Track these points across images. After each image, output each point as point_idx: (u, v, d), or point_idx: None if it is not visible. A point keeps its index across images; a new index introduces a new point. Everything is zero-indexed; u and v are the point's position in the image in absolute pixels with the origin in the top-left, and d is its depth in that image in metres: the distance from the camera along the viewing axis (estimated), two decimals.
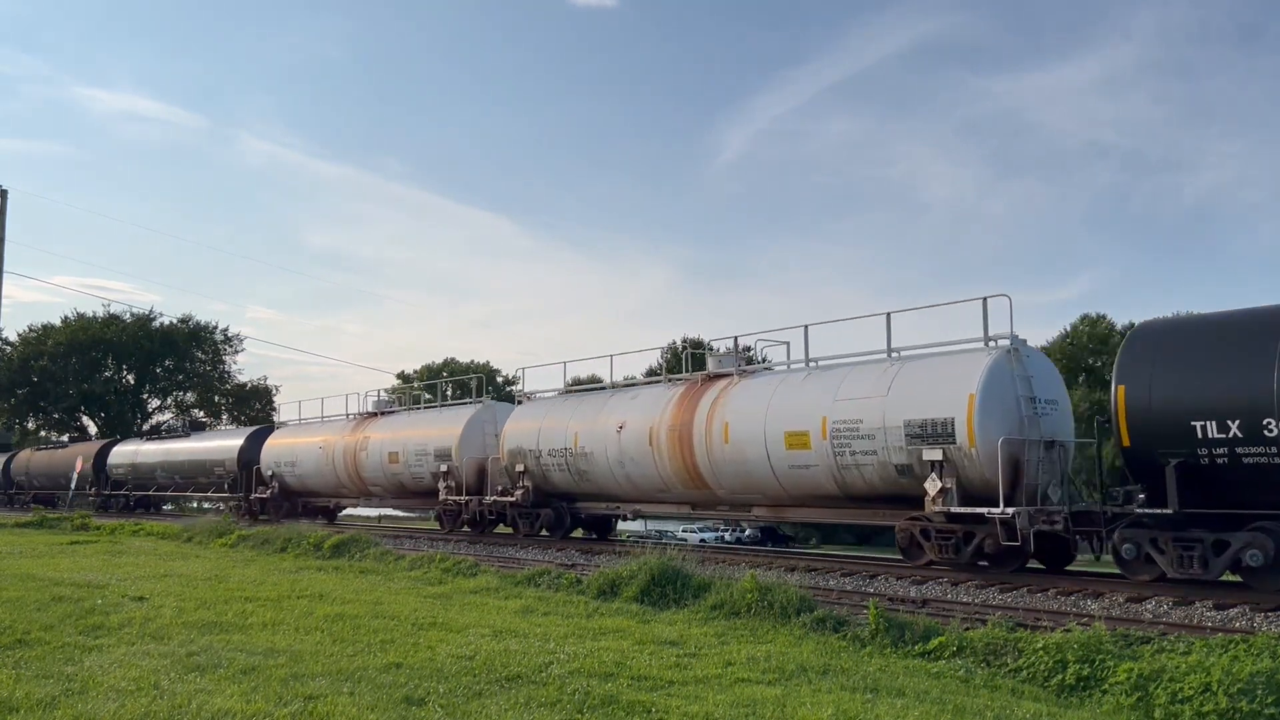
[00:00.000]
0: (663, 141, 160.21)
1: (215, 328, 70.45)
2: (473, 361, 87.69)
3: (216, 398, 70.78)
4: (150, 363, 68.09)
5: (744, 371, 18.86)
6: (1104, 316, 55.42)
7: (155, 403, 70.94)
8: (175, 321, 68.79)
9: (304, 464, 31.19)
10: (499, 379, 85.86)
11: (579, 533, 23.57)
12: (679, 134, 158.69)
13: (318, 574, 15.56)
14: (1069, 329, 54.21)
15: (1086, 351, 52.27)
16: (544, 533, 22.39)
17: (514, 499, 22.52)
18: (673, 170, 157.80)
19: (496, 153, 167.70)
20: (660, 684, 7.43)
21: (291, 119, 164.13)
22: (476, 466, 24.35)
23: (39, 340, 65.79)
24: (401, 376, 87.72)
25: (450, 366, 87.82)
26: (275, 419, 47.68)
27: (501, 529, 24.48)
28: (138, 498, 42.17)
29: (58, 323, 67.21)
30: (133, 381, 68.85)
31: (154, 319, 68.03)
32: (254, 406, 69.20)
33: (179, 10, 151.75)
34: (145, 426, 64.56)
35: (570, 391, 24.61)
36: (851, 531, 44.00)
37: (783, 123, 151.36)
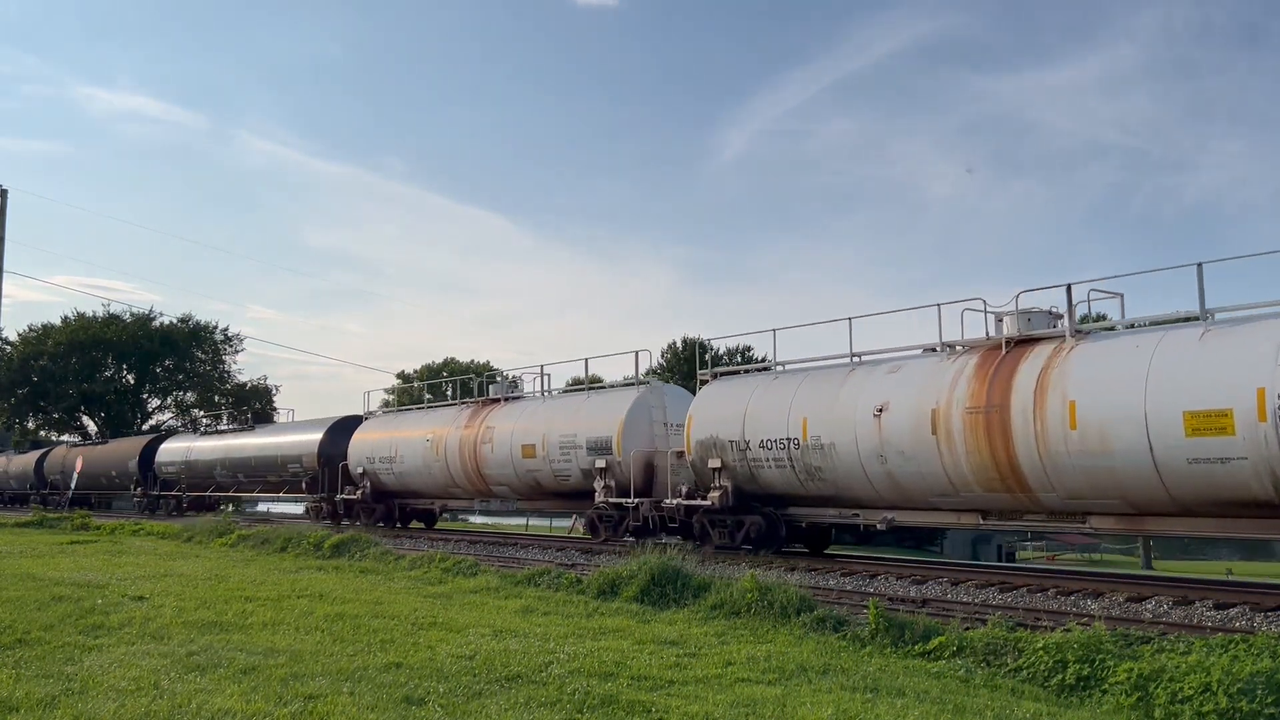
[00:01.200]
0: (663, 141, 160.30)
1: (215, 327, 70.48)
2: (473, 361, 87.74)
3: (216, 397, 70.78)
4: (150, 362, 68.06)
5: (1081, 332, 14.26)
6: (1104, 316, 55.24)
7: (155, 402, 70.99)
8: (175, 321, 68.83)
9: (406, 460, 26.45)
10: (499, 379, 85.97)
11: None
12: (679, 133, 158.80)
13: (318, 573, 15.56)
14: None
15: None
16: (745, 547, 17.93)
17: (708, 502, 18.09)
18: (673, 170, 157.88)
19: (497, 152, 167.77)
20: (660, 684, 7.43)
21: (292, 118, 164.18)
22: (644, 462, 20.07)
23: (39, 340, 65.78)
24: (401, 376, 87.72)
25: (450, 366, 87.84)
26: (276, 419, 46.30)
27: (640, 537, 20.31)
28: (192, 499, 38.39)
29: (58, 322, 67.25)
30: (132, 381, 68.83)
31: (154, 319, 68.06)
32: (254, 406, 69.19)
33: (179, 10, 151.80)
34: (145, 426, 64.61)
35: (788, 370, 18.75)
36: (850, 531, 43.93)
37: (783, 122, 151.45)
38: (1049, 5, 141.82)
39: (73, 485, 46.21)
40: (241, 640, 9.10)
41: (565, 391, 25.28)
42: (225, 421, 38.74)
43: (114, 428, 62.66)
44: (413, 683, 7.24)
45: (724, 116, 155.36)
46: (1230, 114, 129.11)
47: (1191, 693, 6.86)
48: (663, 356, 71.47)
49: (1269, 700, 6.63)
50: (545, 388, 24.57)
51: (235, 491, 36.16)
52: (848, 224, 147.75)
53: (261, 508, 54.78)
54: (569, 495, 22.42)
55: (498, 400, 24.97)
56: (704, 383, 19.78)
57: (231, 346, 71.00)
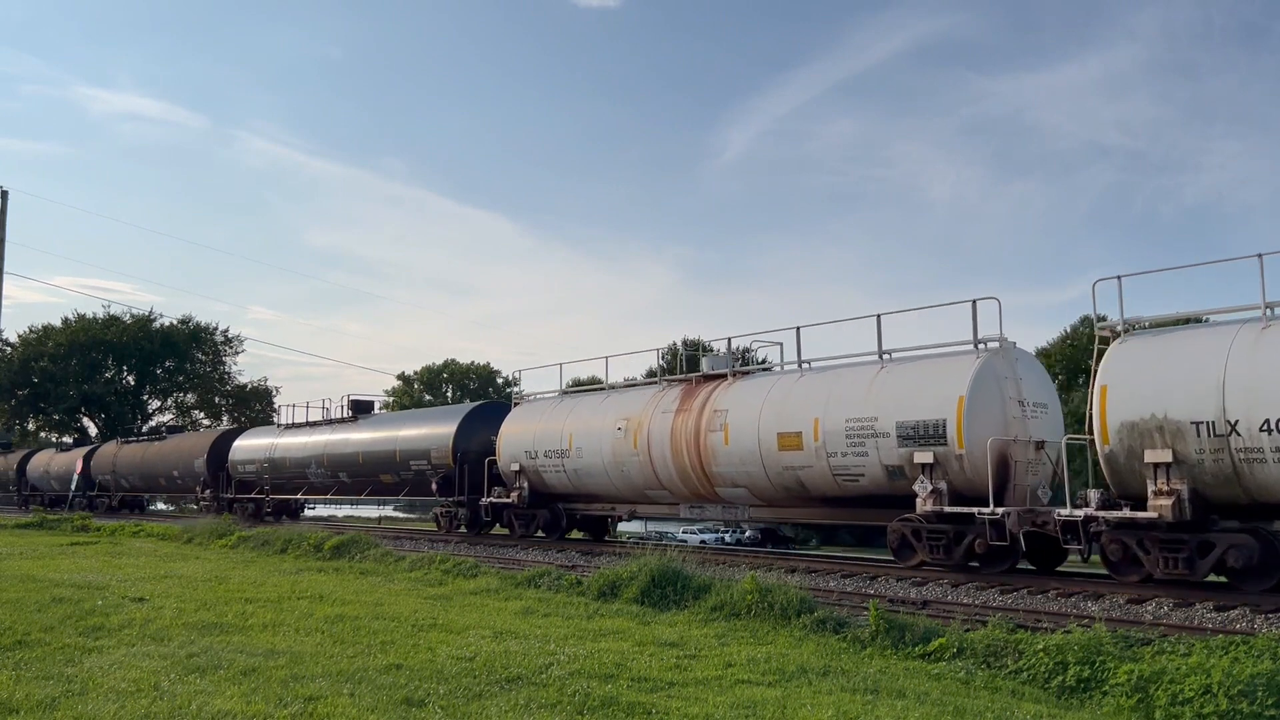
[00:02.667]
0: (664, 141, 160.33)
1: (215, 329, 70.56)
2: (473, 362, 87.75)
3: (216, 399, 70.80)
4: (150, 364, 68.12)
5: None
6: (1104, 318, 55.28)
7: (155, 404, 71.03)
8: (175, 322, 68.89)
9: (585, 454, 21.22)
10: (499, 380, 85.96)
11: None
12: (680, 134, 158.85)
13: (318, 575, 15.55)
14: (1070, 330, 54.21)
15: (1087, 353, 52.21)
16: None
17: (1156, 512, 12.40)
18: (674, 170, 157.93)
19: (497, 153, 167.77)
20: (660, 685, 7.42)
21: (292, 119, 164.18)
22: (998, 455, 14.41)
23: (39, 341, 65.82)
24: (401, 378, 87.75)
25: (450, 368, 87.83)
26: (276, 420, 45.69)
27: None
28: (277, 503, 33.67)
29: (58, 324, 67.33)
30: (133, 383, 68.87)
31: (154, 320, 68.12)
32: (254, 408, 69.22)
33: (180, 10, 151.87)
34: (145, 428, 64.57)
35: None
36: (852, 533, 43.91)
37: (784, 122, 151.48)
38: (1049, 6, 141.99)
39: (124, 486, 42.86)
40: (242, 642, 9.09)
41: (850, 361, 17.29)
42: (284, 417, 35.39)
43: (114, 429, 62.65)
44: (413, 684, 7.24)
45: (724, 117, 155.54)
46: (1230, 115, 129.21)
47: (1192, 694, 6.85)
48: (662, 358, 71.43)
49: (1269, 702, 6.62)
50: (800, 358, 18.28)
51: (336, 494, 30.79)
52: (848, 225, 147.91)
53: (365, 512, 51.28)
54: (852, 502, 16.53)
55: (722, 376, 19.34)
56: (1117, 337, 14.09)
57: (232, 348, 71.13)
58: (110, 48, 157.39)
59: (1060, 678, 7.76)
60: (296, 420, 33.98)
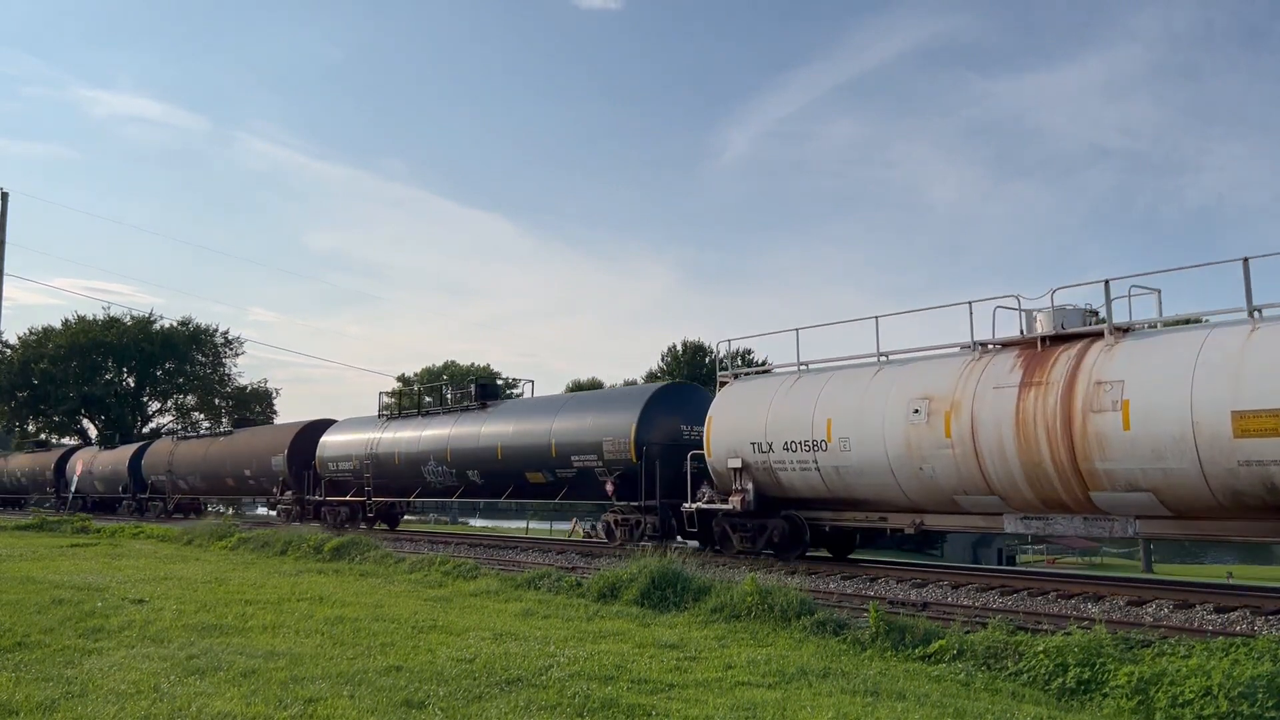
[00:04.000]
0: (665, 143, 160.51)
1: (215, 330, 70.59)
2: (473, 364, 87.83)
3: (216, 400, 70.82)
4: (150, 365, 68.12)
5: (1120, 329, 13.81)
6: (1104, 319, 55.37)
7: (155, 405, 71.04)
8: (175, 324, 68.90)
9: (854, 446, 15.85)
10: (499, 381, 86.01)
11: None
12: (682, 135, 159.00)
13: (318, 576, 15.55)
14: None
15: None
16: None
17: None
18: (675, 171, 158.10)
19: (498, 154, 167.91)
20: (660, 687, 7.42)
21: (293, 120, 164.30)
22: None
23: (39, 343, 65.83)
24: (401, 379, 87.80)
25: (450, 369, 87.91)
26: (276, 421, 43.88)
27: None
28: (381, 506, 28.79)
29: (58, 325, 67.34)
30: (133, 384, 68.88)
31: (154, 322, 68.14)
32: (254, 409, 69.23)
33: (181, 12, 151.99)
34: (145, 429, 64.56)
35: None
36: (389, 519, 43.17)
37: (786, 124, 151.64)
38: (1051, 8, 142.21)
39: (182, 488, 38.41)
40: (241, 643, 9.09)
41: None
42: (225, 424, 35.15)
43: (114, 431, 62.66)
44: (413, 686, 7.24)
45: (726, 118, 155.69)
46: (1232, 117, 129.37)
47: (1192, 696, 6.85)
48: (663, 360, 71.51)
49: (1270, 704, 6.62)
50: (1250, 302, 12.42)
51: (463, 495, 25.86)
52: (849, 226, 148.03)
53: (510, 524, 44.53)
54: None
55: (1090, 335, 14.00)
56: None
57: (232, 349, 71.14)
58: (111, 49, 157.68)
59: (1060, 679, 7.76)
60: (405, 410, 28.92)
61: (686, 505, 18.75)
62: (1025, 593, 13.19)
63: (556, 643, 9.23)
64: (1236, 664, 7.11)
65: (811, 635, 9.76)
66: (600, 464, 20.84)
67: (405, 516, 31.57)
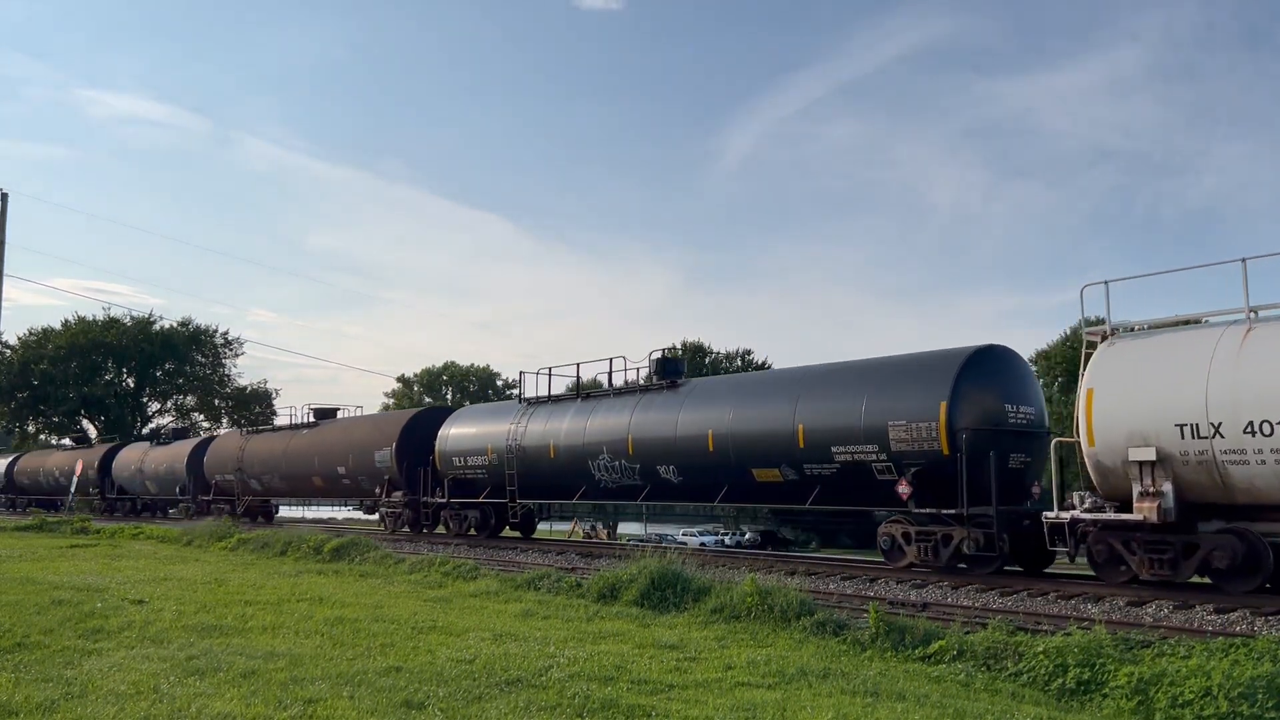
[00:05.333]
0: (666, 144, 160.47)
1: (215, 331, 70.58)
2: (473, 365, 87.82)
3: (216, 401, 70.81)
4: (150, 366, 68.10)
5: None
6: (1102, 320, 55.55)
7: (155, 406, 71.02)
8: (175, 325, 68.88)
9: None
10: (499, 382, 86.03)
11: None
12: (682, 136, 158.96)
13: (318, 577, 15.55)
14: (1070, 331, 54.32)
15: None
16: None
17: (1142, 514, 12.17)
18: (676, 172, 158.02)
19: (499, 155, 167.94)
20: (660, 688, 7.42)
21: (294, 121, 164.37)
22: None
23: (39, 344, 65.79)
24: (401, 380, 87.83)
25: (450, 370, 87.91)
26: (276, 423, 40.14)
27: None
28: (530, 510, 23.89)
29: (58, 326, 67.28)
30: (132, 385, 68.86)
31: (154, 322, 68.12)
32: (254, 410, 69.22)
33: (182, 13, 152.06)
34: (145, 430, 64.53)
35: None
36: (852, 536, 43.85)
37: (786, 125, 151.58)
38: (1051, 9, 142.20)
39: (256, 489, 33.52)
40: (241, 644, 9.09)
41: None
42: (225, 425, 32.07)
43: (114, 432, 62.63)
44: (412, 686, 7.24)
45: (726, 120, 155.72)
46: (1233, 118, 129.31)
47: (1192, 697, 6.85)
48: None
49: (1270, 704, 6.62)
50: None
51: (649, 498, 20.13)
52: (850, 227, 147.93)
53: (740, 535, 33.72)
54: None
55: None
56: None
57: (231, 350, 71.13)
58: (112, 50, 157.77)
59: (1060, 680, 7.76)
60: (552, 394, 23.71)
61: (1051, 514, 13.74)
62: (1025, 593, 13.18)
63: (556, 643, 9.22)
64: (1236, 664, 7.11)
65: (811, 636, 9.76)
66: (883, 457, 15.65)
67: (541, 523, 26.34)
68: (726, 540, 43.72)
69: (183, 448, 38.76)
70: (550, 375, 23.98)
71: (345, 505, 31.67)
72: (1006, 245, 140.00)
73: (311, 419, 32.36)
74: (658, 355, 21.21)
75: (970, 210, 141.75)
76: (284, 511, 39.19)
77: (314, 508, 36.78)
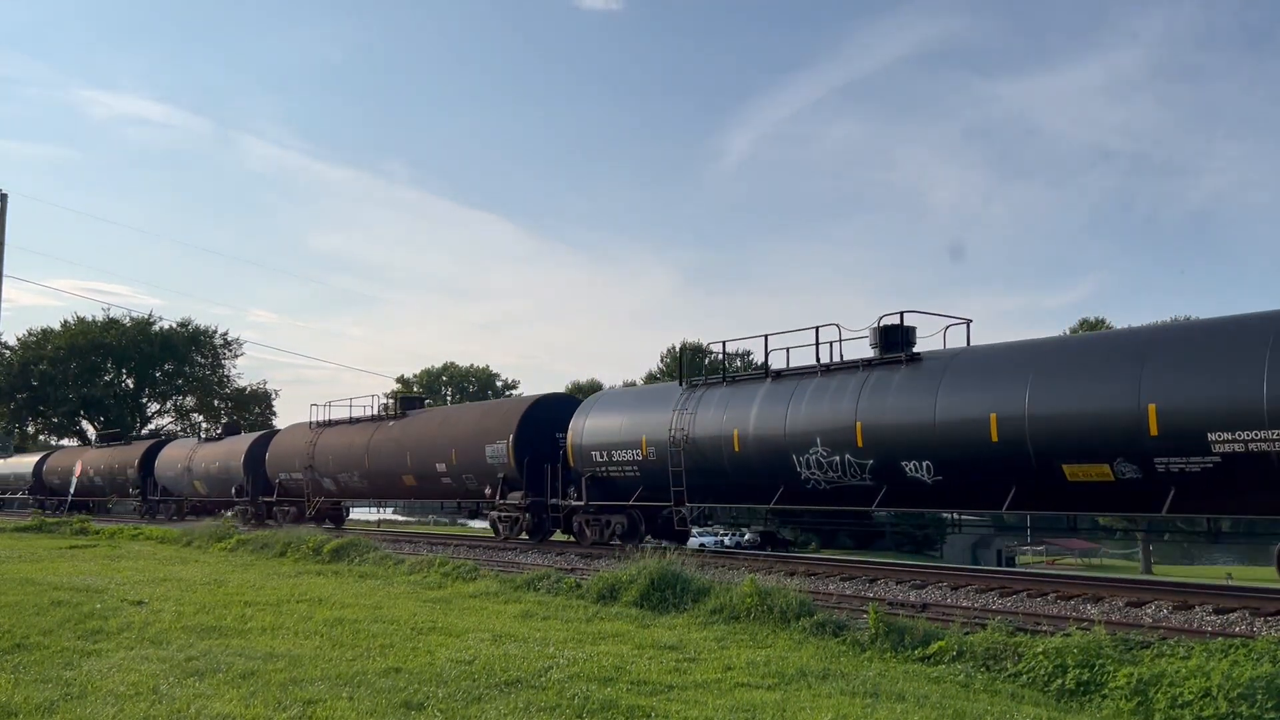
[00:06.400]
0: (666, 144, 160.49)
1: (215, 332, 70.58)
2: (472, 365, 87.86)
3: (216, 402, 70.80)
4: (150, 367, 68.09)
5: None
6: (1103, 320, 55.92)
7: (155, 407, 71.02)
8: (175, 325, 68.89)
9: None
10: (498, 383, 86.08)
11: None
12: (683, 137, 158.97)
13: (317, 578, 15.55)
14: (1068, 333, 54.38)
15: None
16: None
17: None
18: (676, 173, 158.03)
19: (500, 156, 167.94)
20: (660, 688, 7.42)
21: (295, 122, 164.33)
22: None
23: (38, 344, 65.78)
24: (401, 381, 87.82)
25: (449, 371, 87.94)
26: (275, 424, 41.54)
27: None
28: (699, 513, 19.92)
29: (57, 327, 67.27)
30: (132, 386, 68.86)
31: (153, 323, 68.13)
32: (253, 411, 69.23)
33: (182, 13, 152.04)
34: (144, 431, 64.48)
35: None
36: (852, 536, 43.87)
37: (787, 126, 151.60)
38: (1052, 9, 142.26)
39: (329, 488, 29.50)
40: (240, 645, 9.09)
41: None
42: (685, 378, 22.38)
43: (113, 433, 62.58)
44: (412, 688, 7.23)
45: (726, 120, 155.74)
46: (1233, 118, 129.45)
47: (1191, 697, 6.85)
48: (662, 361, 71.51)
49: (1269, 705, 6.62)
50: None
51: (885, 502, 16.02)
52: (851, 228, 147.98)
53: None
54: None
55: None
56: None
57: (231, 351, 71.13)
58: (112, 51, 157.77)
59: (1060, 681, 7.76)
60: (734, 374, 19.63)
61: None
62: (1025, 594, 13.18)
63: (556, 644, 9.22)
64: (1236, 665, 7.11)
65: (811, 636, 9.76)
66: None
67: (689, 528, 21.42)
68: (726, 541, 43.75)
69: (238, 443, 35.09)
70: (722, 352, 19.96)
71: (441, 508, 27.72)
72: (1006, 246, 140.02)
73: (398, 410, 28.24)
74: (886, 322, 16.74)
75: (970, 210, 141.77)
76: (356, 515, 36.29)
77: (375, 508, 33.07)
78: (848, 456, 15.94)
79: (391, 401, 29.27)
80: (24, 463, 51.39)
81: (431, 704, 6.78)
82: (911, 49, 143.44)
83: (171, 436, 50.81)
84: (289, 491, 31.39)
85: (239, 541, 21.54)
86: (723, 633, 10.11)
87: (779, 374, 18.13)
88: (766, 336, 18.61)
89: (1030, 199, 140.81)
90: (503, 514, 23.07)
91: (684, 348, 19.73)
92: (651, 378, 69.30)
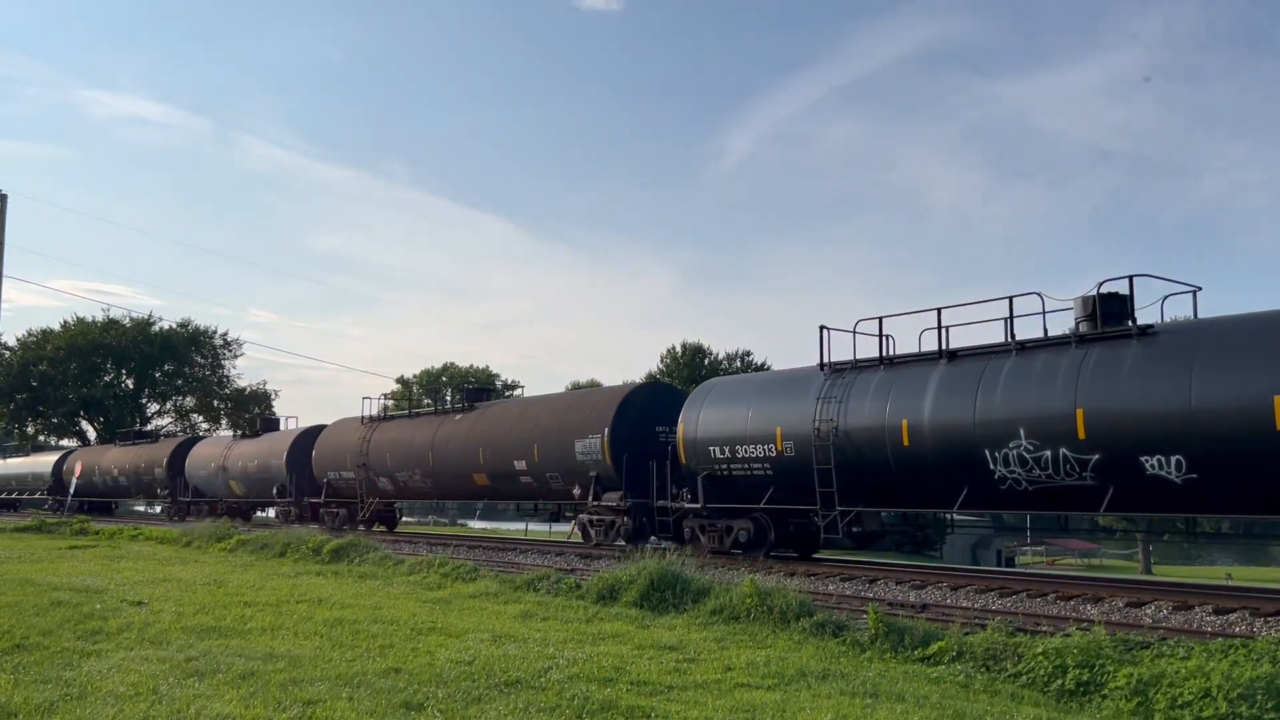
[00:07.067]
0: (666, 145, 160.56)
1: (214, 332, 70.57)
2: (472, 366, 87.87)
3: (215, 402, 70.80)
4: (149, 367, 68.07)
5: None
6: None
7: (154, 407, 71.00)
8: (174, 326, 68.88)
9: None
10: (498, 383, 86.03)
11: None
12: (683, 137, 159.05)
13: (317, 578, 15.54)
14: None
15: None
16: None
17: None
18: (676, 173, 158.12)
19: (499, 156, 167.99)
20: (659, 689, 7.42)
21: (295, 122, 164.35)
22: None
23: (38, 345, 65.73)
24: (400, 381, 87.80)
25: (449, 371, 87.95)
26: (283, 427, 36.67)
27: None
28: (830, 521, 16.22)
29: (57, 327, 67.21)
30: (131, 386, 68.82)
31: (153, 323, 68.10)
32: (253, 411, 69.23)
33: (182, 14, 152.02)
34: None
35: None
36: (852, 537, 43.77)
37: (787, 126, 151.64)
38: (1052, 10, 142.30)
39: (384, 488, 26.97)
40: (240, 645, 9.09)
41: None
42: (225, 426, 26.28)
43: (113, 433, 62.56)
44: (412, 688, 7.23)
45: (727, 120, 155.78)
46: (1233, 119, 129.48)
47: (1191, 698, 6.85)
48: (662, 361, 71.53)
49: (1269, 705, 6.62)
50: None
51: (1115, 506, 13.55)
52: (850, 228, 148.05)
53: None
54: None
55: None
56: None
57: (231, 351, 71.12)
58: (112, 51, 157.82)
59: (1060, 681, 7.76)
60: (887, 353, 16.55)
61: None
62: (1024, 594, 13.19)
63: (556, 645, 9.22)
64: (1235, 665, 7.12)
65: (811, 637, 9.76)
66: None
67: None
68: None
69: (280, 440, 32.50)
70: (880, 330, 16.69)
71: (515, 510, 25.24)
72: (1007, 246, 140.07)
73: (464, 403, 25.86)
74: (1107, 289, 14.32)
75: (970, 211, 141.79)
76: (411, 519, 32.95)
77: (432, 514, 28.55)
78: (1063, 451, 13.53)
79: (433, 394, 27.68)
80: (42, 462, 49.86)
81: (431, 704, 6.78)
82: (911, 49, 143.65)
83: (200, 434, 48.60)
84: (338, 492, 29.12)
85: (239, 542, 21.54)
86: (723, 633, 10.11)
87: (956, 354, 15.54)
88: (939, 310, 15.78)
89: (1030, 199, 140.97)
90: (595, 517, 20.82)
91: (823, 330, 16.95)
92: (651, 377, 69.34)
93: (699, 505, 18.51)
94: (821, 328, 17.42)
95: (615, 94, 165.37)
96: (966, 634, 9.13)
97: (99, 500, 44.53)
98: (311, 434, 31.39)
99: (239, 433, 37.20)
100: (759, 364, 71.13)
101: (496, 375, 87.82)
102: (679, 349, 71.45)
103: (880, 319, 16.81)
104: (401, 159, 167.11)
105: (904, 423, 15.31)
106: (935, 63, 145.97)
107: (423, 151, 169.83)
